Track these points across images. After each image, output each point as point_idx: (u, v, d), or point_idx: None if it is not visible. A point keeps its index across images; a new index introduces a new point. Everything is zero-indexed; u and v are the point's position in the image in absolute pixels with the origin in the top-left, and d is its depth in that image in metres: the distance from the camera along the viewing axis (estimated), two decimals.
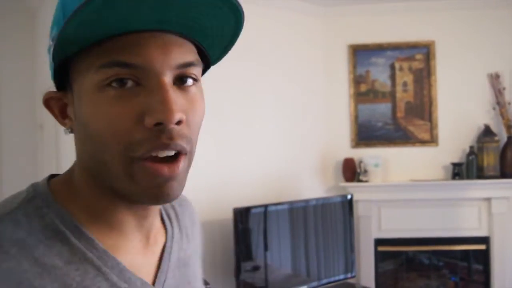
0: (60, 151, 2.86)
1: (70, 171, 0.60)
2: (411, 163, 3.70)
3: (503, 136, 3.59)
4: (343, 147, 3.75)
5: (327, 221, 3.32)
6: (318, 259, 3.24)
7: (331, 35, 3.74)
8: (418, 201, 3.62)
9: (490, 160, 3.55)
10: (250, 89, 3.26)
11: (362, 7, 3.69)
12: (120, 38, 0.49)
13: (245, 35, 0.63)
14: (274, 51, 3.39)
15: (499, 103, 3.60)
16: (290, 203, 3.11)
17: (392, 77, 3.73)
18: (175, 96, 0.50)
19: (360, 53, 3.73)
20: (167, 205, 0.70)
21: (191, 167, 0.57)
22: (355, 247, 3.53)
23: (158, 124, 0.49)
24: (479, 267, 3.69)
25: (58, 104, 0.57)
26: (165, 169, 0.51)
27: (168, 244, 0.65)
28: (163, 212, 0.68)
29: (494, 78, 3.63)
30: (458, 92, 3.69)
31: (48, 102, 0.57)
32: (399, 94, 3.72)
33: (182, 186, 0.54)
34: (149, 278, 0.60)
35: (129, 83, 0.50)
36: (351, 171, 3.66)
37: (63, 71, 0.54)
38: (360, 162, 3.65)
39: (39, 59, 3.32)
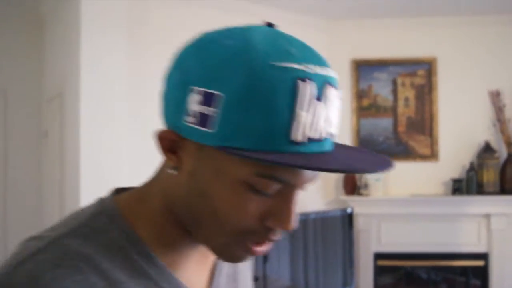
0: (65, 158, 2.89)
1: (144, 193, 0.60)
2: (412, 178, 3.72)
3: (503, 153, 3.63)
4: None
5: (327, 234, 3.34)
6: (316, 272, 3.25)
7: (334, 49, 3.78)
8: (418, 216, 3.64)
9: (490, 176, 3.58)
10: None
11: (365, 22, 3.74)
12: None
13: None
14: None
15: (500, 120, 3.63)
16: None
17: (394, 92, 3.77)
18: (296, 207, 0.53)
19: (363, 68, 3.77)
20: None
21: None
22: (354, 260, 3.54)
23: (281, 229, 0.53)
24: (478, 282, 3.70)
25: (171, 141, 0.54)
26: (260, 252, 0.56)
27: (218, 261, 0.68)
28: None
29: (495, 95, 3.67)
30: (459, 108, 3.73)
31: (161, 136, 0.55)
32: (400, 109, 3.76)
33: None
34: None
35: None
36: (352, 184, 3.69)
37: None
38: (361, 176, 3.68)
39: (46, 66, 3.36)
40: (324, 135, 0.50)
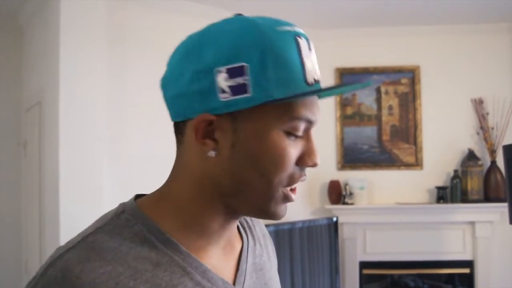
0: (44, 168, 2.83)
1: (164, 192, 0.67)
2: (396, 186, 3.72)
3: (486, 161, 3.64)
4: (329, 169, 3.76)
5: (312, 243, 3.31)
6: (303, 281, 3.22)
7: (318, 58, 3.77)
8: (403, 224, 3.63)
9: (474, 184, 3.58)
10: None
11: (349, 31, 3.75)
12: (306, 100, 0.62)
13: None
14: None
15: (483, 128, 3.65)
16: (276, 225, 3.10)
17: (378, 100, 3.77)
18: None
19: (347, 76, 3.77)
20: (242, 217, 0.80)
21: None
22: (340, 269, 3.51)
23: (313, 165, 0.63)
24: None
25: (204, 125, 0.61)
26: (294, 198, 0.65)
27: (244, 249, 0.74)
28: (238, 223, 0.78)
29: (478, 103, 3.69)
30: (442, 116, 3.73)
31: (199, 123, 0.62)
32: (384, 117, 3.76)
33: None
34: (229, 279, 0.68)
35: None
36: (337, 193, 3.67)
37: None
38: (346, 184, 3.66)
39: (24, 75, 3.30)
40: (319, 76, 0.64)
